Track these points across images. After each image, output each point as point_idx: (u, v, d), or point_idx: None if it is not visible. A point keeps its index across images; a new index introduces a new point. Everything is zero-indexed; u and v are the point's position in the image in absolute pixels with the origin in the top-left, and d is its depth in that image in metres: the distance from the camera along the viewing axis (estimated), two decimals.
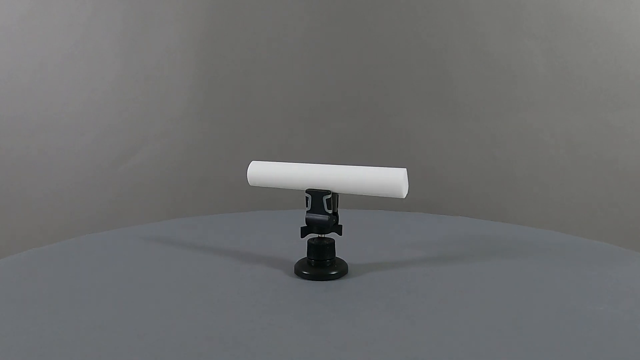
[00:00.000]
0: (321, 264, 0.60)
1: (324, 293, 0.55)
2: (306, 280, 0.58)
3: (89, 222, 1.20)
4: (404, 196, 0.55)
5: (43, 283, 0.58)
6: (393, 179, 0.54)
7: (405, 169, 0.55)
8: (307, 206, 0.59)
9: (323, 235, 0.60)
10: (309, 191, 0.59)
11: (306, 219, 0.59)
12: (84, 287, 0.57)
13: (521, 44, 1.09)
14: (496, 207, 1.13)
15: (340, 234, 0.61)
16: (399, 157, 1.15)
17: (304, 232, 0.60)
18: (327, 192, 0.58)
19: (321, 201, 0.58)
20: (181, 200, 1.20)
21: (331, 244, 0.61)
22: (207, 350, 0.41)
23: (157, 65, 1.17)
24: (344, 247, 0.65)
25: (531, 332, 0.45)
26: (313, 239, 0.61)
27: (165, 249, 0.72)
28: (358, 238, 0.77)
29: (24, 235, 1.22)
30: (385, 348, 0.42)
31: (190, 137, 1.19)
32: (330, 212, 0.58)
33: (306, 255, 0.62)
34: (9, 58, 1.18)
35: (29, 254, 0.70)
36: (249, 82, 1.17)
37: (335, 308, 0.51)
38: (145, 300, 0.53)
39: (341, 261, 0.62)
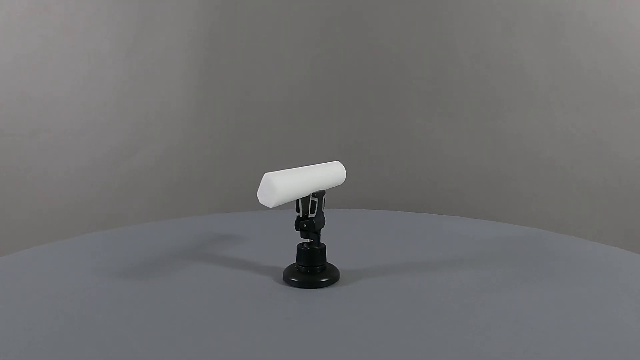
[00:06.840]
0: (311, 270, 0.57)
1: (314, 302, 0.52)
2: (295, 288, 0.56)
3: (88, 222, 1.20)
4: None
5: (42, 282, 0.58)
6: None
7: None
8: (312, 212, 0.56)
9: (311, 240, 0.57)
10: (316, 194, 0.56)
11: (315, 223, 0.55)
12: (82, 286, 0.56)
13: (521, 44, 1.09)
14: (496, 207, 1.13)
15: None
16: (398, 157, 1.15)
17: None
18: (323, 191, 0.57)
19: (321, 202, 0.56)
20: (181, 200, 1.20)
21: (322, 249, 0.57)
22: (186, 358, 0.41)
23: (157, 65, 1.17)
24: (335, 252, 0.60)
25: (539, 341, 0.44)
26: (302, 244, 0.58)
27: (161, 252, 0.71)
28: (350, 241, 0.74)
29: (23, 235, 1.22)
30: None
31: (190, 137, 1.19)
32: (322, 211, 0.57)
33: (295, 262, 0.58)
34: (9, 58, 1.18)
35: (29, 252, 0.70)
36: (249, 82, 1.17)
37: (325, 318, 0.49)
38: (141, 303, 0.53)
39: (332, 267, 0.59)
